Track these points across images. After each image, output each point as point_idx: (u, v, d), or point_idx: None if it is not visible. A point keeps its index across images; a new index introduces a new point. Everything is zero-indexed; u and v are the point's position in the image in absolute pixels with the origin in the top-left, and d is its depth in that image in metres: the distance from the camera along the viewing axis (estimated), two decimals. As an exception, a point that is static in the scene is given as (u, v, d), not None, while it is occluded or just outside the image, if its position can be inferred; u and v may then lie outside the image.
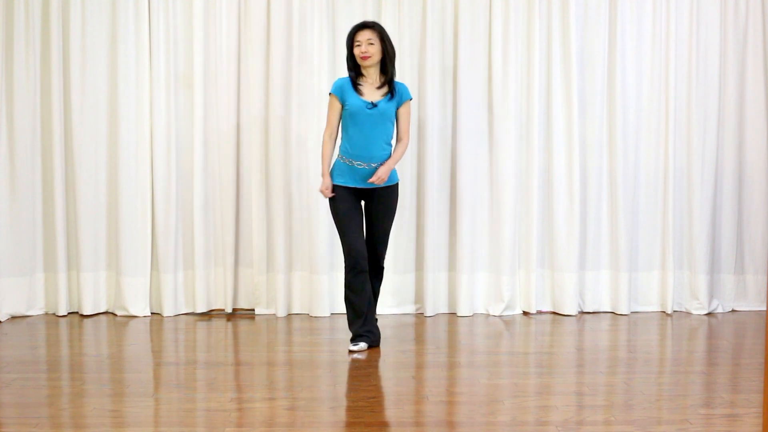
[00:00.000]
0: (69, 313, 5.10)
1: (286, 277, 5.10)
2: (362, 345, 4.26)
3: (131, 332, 4.72)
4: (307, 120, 5.04)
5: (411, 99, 4.36)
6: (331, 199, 4.27)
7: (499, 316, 5.09)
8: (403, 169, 4.94)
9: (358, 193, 4.29)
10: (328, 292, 5.08)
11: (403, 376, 3.88)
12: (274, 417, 3.26)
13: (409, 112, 4.36)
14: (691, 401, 3.46)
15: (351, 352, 4.23)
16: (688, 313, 5.18)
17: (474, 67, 5.07)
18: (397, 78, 4.42)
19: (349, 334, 4.36)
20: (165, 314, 5.06)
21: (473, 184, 5.09)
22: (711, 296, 5.20)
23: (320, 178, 4.42)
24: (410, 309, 5.17)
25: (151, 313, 5.12)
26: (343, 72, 5.06)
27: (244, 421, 3.22)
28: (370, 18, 5.01)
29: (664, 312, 5.20)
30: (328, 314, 5.08)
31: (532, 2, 5.05)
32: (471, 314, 5.11)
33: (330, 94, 4.30)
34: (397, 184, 4.35)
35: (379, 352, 4.23)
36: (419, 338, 4.59)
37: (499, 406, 3.40)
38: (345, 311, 4.40)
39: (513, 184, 5.08)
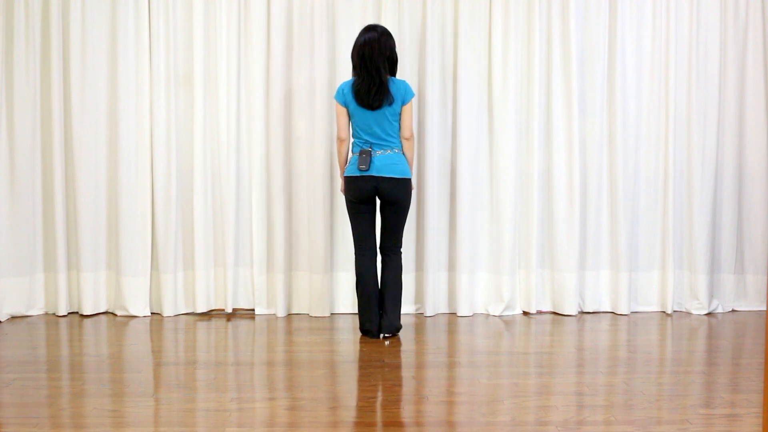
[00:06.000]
0: (69, 313, 5.10)
1: (286, 277, 5.10)
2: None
3: (131, 332, 4.72)
4: (307, 120, 5.03)
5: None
6: None
7: (499, 316, 5.09)
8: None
9: None
10: (328, 292, 5.07)
11: (403, 376, 3.88)
12: (274, 417, 3.27)
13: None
14: (691, 401, 3.46)
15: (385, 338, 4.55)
16: (688, 313, 5.18)
17: (474, 67, 5.06)
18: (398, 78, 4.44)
19: (357, 334, 4.49)
20: (165, 314, 5.06)
21: (473, 184, 5.08)
22: (711, 296, 5.20)
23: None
24: (410, 309, 5.17)
25: (151, 313, 5.12)
26: (342, 71, 5.08)
27: (244, 421, 3.22)
28: (370, 18, 5.01)
29: (664, 312, 5.20)
30: (328, 314, 5.08)
31: (532, 2, 5.05)
32: (471, 314, 5.11)
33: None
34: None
35: (379, 353, 4.24)
36: (419, 338, 4.59)
37: (499, 406, 3.40)
38: (355, 310, 4.65)
39: (513, 184, 5.07)
